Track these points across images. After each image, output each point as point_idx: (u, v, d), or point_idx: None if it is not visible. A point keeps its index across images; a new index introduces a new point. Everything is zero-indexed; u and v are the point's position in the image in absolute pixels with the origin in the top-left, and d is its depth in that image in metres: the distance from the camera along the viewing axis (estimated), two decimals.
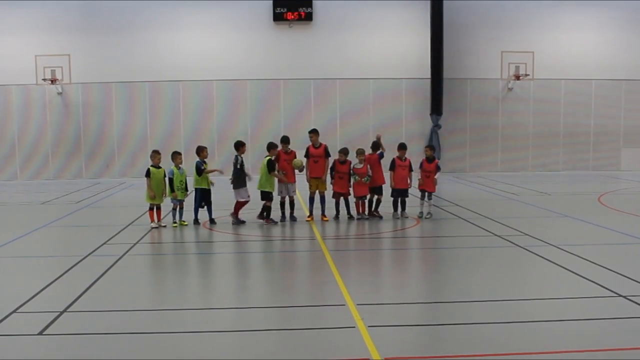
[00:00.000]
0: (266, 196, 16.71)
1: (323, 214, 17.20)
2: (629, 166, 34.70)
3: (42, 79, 31.77)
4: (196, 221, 16.97)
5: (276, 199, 17.12)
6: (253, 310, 9.22)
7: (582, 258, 12.07)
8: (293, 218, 17.19)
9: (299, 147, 18.53)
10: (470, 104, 34.02)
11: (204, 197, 16.92)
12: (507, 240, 14.09)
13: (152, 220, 16.51)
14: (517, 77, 33.60)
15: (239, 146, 17.05)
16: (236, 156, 16.93)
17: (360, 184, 16.96)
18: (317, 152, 17.15)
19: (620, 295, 9.41)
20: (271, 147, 16.88)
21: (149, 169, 16.67)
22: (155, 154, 17.08)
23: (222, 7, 32.40)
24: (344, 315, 8.66)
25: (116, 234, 15.46)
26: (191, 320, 8.68)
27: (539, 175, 32.39)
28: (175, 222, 16.74)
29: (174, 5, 32.26)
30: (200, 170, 16.80)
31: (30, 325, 8.36)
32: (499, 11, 33.57)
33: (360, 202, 17.29)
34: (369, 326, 8.09)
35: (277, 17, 32.55)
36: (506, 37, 33.69)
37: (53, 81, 31.77)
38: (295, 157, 17.05)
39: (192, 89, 32.70)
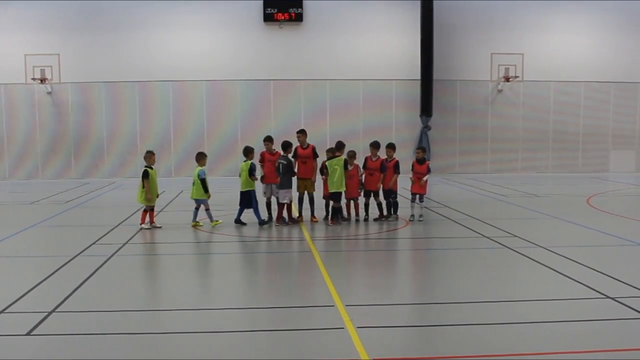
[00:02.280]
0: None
1: (312, 215, 17.19)
2: (618, 168, 34.88)
3: (32, 79, 31.67)
4: (240, 221, 16.91)
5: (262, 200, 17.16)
6: (242, 311, 9.22)
7: (570, 260, 12.11)
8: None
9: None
10: (460, 105, 34.11)
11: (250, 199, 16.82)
12: (496, 242, 14.12)
13: (144, 222, 16.38)
14: (507, 79, 33.70)
15: (287, 147, 16.93)
16: (284, 156, 16.82)
17: (351, 185, 16.89)
18: (305, 153, 17.10)
19: (608, 297, 9.45)
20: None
21: (146, 170, 16.46)
22: (150, 154, 16.94)
23: (212, 8, 32.36)
24: (333, 316, 8.66)
25: (105, 234, 15.41)
26: (180, 321, 8.67)
27: (528, 177, 32.49)
28: (198, 222, 16.70)
29: (165, 5, 32.20)
30: (253, 173, 16.63)
31: (19, 325, 8.32)
32: (489, 13, 33.68)
33: (351, 203, 17.23)
34: (357, 327, 8.09)
35: (268, 18, 32.54)
36: (496, 38, 33.81)
37: (42, 80, 31.67)
38: (279, 157, 16.91)
39: (182, 89, 32.65)
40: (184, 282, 11.06)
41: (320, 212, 17.31)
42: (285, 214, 16.88)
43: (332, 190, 16.57)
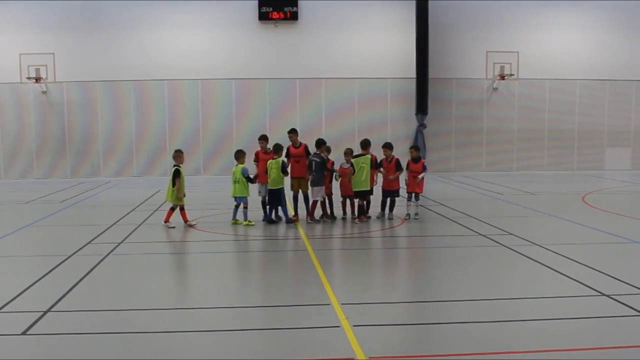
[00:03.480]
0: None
1: (308, 214, 17.20)
2: (613, 165, 34.95)
3: (27, 78, 31.59)
4: (272, 219, 16.98)
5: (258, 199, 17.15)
6: (238, 310, 9.21)
7: (566, 257, 12.12)
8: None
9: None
10: (455, 103, 34.13)
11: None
12: (493, 240, 14.13)
13: (169, 221, 16.41)
14: (502, 77, 33.72)
15: (321, 144, 17.04)
16: (317, 154, 16.86)
17: (346, 183, 16.91)
18: (297, 152, 17.10)
19: (604, 295, 9.46)
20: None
21: (178, 169, 16.41)
22: (179, 153, 16.91)
23: (208, 7, 32.31)
24: (328, 314, 8.66)
25: (101, 234, 15.39)
26: (176, 320, 8.66)
27: (524, 175, 32.51)
28: (237, 220, 16.75)
29: (160, 5, 32.17)
30: (285, 169, 16.68)
31: (14, 325, 8.30)
32: (484, 11, 33.69)
33: (347, 201, 17.23)
34: (353, 325, 8.09)
35: (263, 17, 32.51)
36: (491, 37, 33.84)
37: (37, 80, 31.58)
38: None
39: (177, 88, 32.59)
40: (179, 281, 11.06)
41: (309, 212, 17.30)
42: (312, 212, 16.95)
43: (358, 188, 16.64)
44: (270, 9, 32.46)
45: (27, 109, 32.29)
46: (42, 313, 8.77)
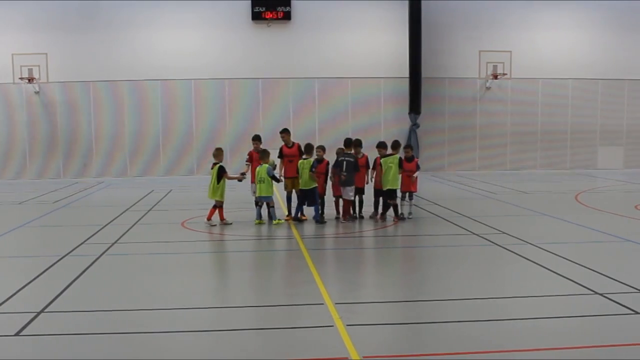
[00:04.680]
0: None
1: (301, 214, 17.19)
2: (606, 164, 35.06)
3: (19, 78, 31.49)
4: (299, 218, 17.04)
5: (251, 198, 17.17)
6: (231, 310, 9.21)
7: (559, 256, 12.15)
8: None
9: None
10: (448, 103, 34.19)
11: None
12: (486, 239, 14.15)
13: (211, 219, 16.53)
14: (495, 76, 33.78)
15: (351, 144, 17.14)
16: (349, 153, 16.93)
17: (337, 183, 16.92)
18: (290, 152, 17.12)
19: (597, 293, 9.49)
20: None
21: (223, 166, 16.64)
22: (220, 151, 17.03)
23: (201, 6, 32.27)
24: (322, 314, 8.66)
25: (94, 234, 15.36)
26: (169, 320, 8.65)
27: (517, 174, 32.58)
28: (262, 220, 16.82)
29: (153, 4, 32.11)
30: (313, 169, 16.72)
31: (7, 326, 8.28)
32: (477, 11, 33.75)
33: (339, 200, 17.24)
34: (347, 325, 8.10)
35: (256, 16, 32.49)
36: (484, 36, 33.90)
37: (30, 80, 31.50)
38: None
39: (170, 88, 32.55)
40: (172, 281, 11.03)
41: (307, 212, 17.30)
42: (347, 211, 17.02)
43: (387, 187, 16.71)
44: (263, 8, 32.43)
45: (19, 109, 32.19)
46: (35, 314, 8.76)
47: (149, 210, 19.27)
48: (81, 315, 8.87)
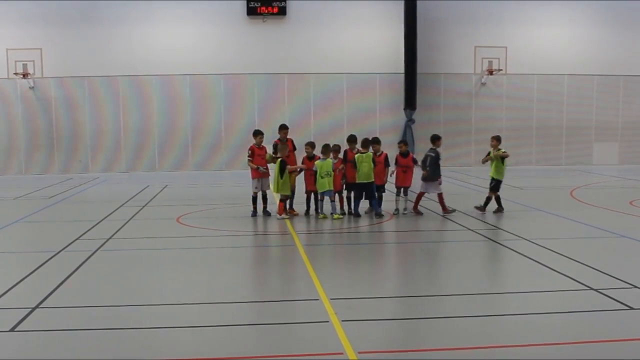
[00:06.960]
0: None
1: (291, 208, 17.22)
2: (601, 160, 35.10)
3: (14, 73, 31.38)
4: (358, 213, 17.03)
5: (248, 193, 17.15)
6: (226, 305, 9.19)
7: (554, 252, 12.17)
8: (267, 213, 17.13)
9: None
10: (443, 98, 34.17)
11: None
12: (481, 235, 14.18)
13: (283, 212, 16.67)
14: (490, 72, 33.78)
15: (436, 140, 17.49)
16: (433, 149, 17.21)
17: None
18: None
19: (592, 289, 9.51)
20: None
21: (284, 160, 16.65)
22: (284, 144, 17.06)
23: (196, 1, 32.19)
24: (317, 309, 8.67)
25: (90, 229, 15.34)
26: (164, 316, 8.64)
27: (512, 170, 32.46)
28: (325, 214, 16.87)
29: None
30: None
31: (2, 321, 8.27)
32: (472, 6, 33.71)
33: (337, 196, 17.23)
34: (342, 320, 8.11)
35: (251, 12, 32.40)
36: (479, 32, 33.86)
37: (25, 75, 31.41)
38: (266, 152, 17.02)
39: (165, 83, 32.48)
40: (167, 276, 11.02)
41: (300, 207, 17.29)
42: (444, 205, 17.20)
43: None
44: (259, 4, 32.35)
45: (14, 104, 32.09)
46: (30, 309, 8.75)
47: (143, 206, 19.25)
48: (76, 310, 8.86)
